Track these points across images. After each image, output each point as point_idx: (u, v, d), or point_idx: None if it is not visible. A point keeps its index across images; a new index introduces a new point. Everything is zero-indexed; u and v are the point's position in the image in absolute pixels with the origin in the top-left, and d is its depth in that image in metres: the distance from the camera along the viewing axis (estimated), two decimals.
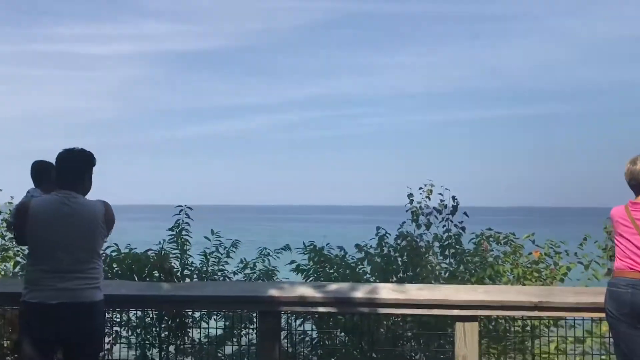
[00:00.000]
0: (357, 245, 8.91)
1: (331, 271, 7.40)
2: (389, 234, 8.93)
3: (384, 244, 8.82)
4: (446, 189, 8.77)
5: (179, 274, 7.33)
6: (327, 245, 7.94)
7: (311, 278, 7.24)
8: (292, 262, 7.38)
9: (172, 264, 7.08)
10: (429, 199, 9.05)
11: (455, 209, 8.80)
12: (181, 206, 7.56)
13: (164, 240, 7.54)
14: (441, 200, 8.80)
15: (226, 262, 7.52)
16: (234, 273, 7.47)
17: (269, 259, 7.56)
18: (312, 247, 7.65)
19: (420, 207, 9.01)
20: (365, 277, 8.21)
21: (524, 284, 6.45)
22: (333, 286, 5.68)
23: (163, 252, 7.26)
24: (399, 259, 8.61)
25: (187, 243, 7.56)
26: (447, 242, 8.63)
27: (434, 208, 8.87)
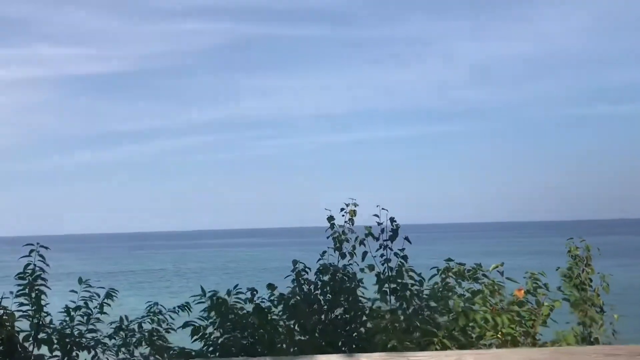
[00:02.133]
0: (269, 285, 7.16)
1: (236, 332, 5.49)
2: (308, 269, 7.28)
3: (302, 281, 7.17)
4: (383, 208, 7.07)
5: (30, 339, 5.24)
6: (235, 289, 6.06)
7: (211, 347, 5.31)
8: (187, 324, 5.44)
9: (14, 330, 5.01)
10: (352, 222, 7.44)
11: (395, 233, 7.11)
12: (32, 244, 5.48)
13: (11, 294, 5.46)
14: (378, 223, 7.10)
15: (98, 321, 5.49)
16: (110, 337, 5.45)
17: (159, 318, 5.60)
18: (212, 297, 5.75)
19: (343, 231, 7.36)
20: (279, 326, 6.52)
21: (502, 335, 4.78)
22: None
23: (4, 311, 5.18)
24: (321, 297, 6.95)
25: (44, 295, 5.50)
26: (385, 275, 6.98)
27: (370, 233, 7.17)
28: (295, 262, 7.17)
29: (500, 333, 4.71)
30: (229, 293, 5.99)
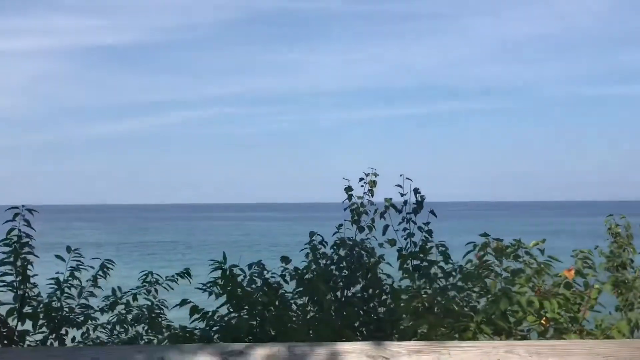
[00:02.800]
0: (283, 258, 6.60)
1: (244, 309, 4.89)
2: (326, 243, 6.71)
3: (318, 255, 6.60)
4: (407, 178, 6.44)
5: (15, 313, 4.69)
6: (238, 265, 5.47)
7: (216, 326, 4.71)
8: (184, 301, 4.84)
9: None
10: (372, 193, 6.84)
11: (419, 205, 6.49)
12: (17, 207, 4.90)
13: None
14: (401, 194, 6.47)
15: (91, 295, 4.92)
16: (102, 310, 4.89)
17: (156, 289, 5.01)
18: (219, 268, 5.15)
19: (362, 203, 6.77)
20: (292, 302, 5.97)
21: (545, 321, 4.15)
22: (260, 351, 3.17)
23: None
24: (337, 272, 6.40)
25: (30, 265, 4.93)
26: (408, 251, 6.40)
27: (391, 205, 6.55)
28: (312, 233, 6.57)
29: (544, 319, 4.09)
30: (231, 274, 5.32)
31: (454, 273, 4.97)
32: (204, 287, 4.98)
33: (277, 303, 5.48)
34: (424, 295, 4.64)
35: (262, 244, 63.71)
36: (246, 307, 5.01)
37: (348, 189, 6.88)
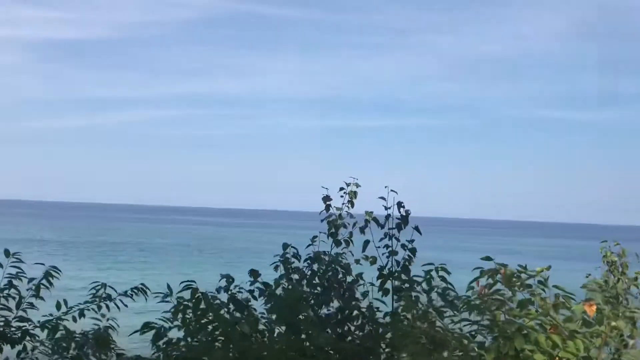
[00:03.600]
0: (252, 272, 6.02)
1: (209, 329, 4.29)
2: (299, 256, 6.20)
3: (290, 270, 6.09)
4: (392, 190, 5.92)
5: None
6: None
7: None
8: (147, 325, 4.19)
9: None
10: (352, 204, 6.32)
11: (404, 220, 5.97)
12: None
13: None
14: (385, 208, 5.95)
15: (31, 306, 4.24)
16: (43, 327, 4.20)
17: (107, 305, 4.35)
18: (188, 287, 4.52)
19: (340, 215, 6.24)
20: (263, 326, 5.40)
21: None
22: None
23: None
24: (308, 289, 5.87)
25: None
26: (391, 270, 5.91)
27: (373, 219, 6.02)
28: (286, 245, 6.00)
29: (556, 358, 3.55)
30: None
31: (456, 302, 4.40)
32: (169, 312, 4.33)
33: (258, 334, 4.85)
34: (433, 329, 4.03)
35: (214, 249, 62.66)
36: (221, 337, 4.37)
37: (326, 198, 6.33)
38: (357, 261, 6.18)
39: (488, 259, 4.34)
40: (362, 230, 6.03)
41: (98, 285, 4.59)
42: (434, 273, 5.15)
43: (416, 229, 5.93)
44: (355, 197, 6.34)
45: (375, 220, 5.90)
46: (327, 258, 6.16)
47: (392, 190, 5.87)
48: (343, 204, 6.34)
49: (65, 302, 4.50)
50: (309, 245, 6.33)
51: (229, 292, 5.73)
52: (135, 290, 4.70)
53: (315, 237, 6.43)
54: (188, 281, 4.64)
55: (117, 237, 79.52)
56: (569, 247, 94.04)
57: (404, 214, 5.89)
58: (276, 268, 6.36)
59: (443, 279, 5.01)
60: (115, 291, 4.65)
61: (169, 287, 4.56)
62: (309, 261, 6.07)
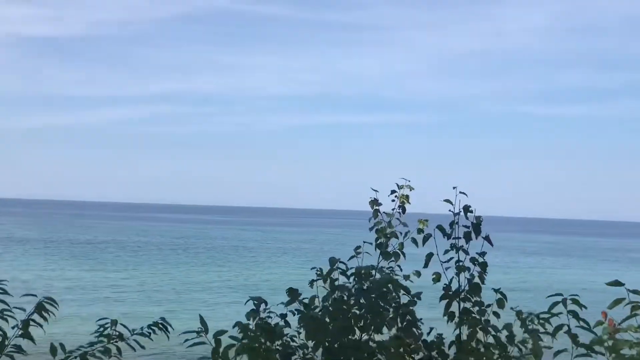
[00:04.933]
0: (290, 291, 5.02)
1: None
2: (345, 269, 5.19)
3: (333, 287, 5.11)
4: (461, 192, 4.86)
5: None
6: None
7: None
8: None
9: None
10: (403, 210, 5.33)
11: (476, 229, 4.92)
12: None
13: None
14: (453, 213, 4.90)
15: (18, 351, 3.16)
16: None
17: (118, 348, 3.27)
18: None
19: (390, 223, 5.24)
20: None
21: None
22: None
23: None
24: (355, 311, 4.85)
25: None
26: (458, 290, 4.90)
27: (438, 227, 4.97)
28: (333, 261, 4.96)
29: None
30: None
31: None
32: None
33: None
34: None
35: (197, 248, 61.30)
36: None
37: (374, 202, 5.26)
38: (407, 277, 5.16)
39: (618, 284, 3.30)
40: (425, 241, 4.99)
41: (106, 323, 3.50)
42: (560, 307, 3.99)
43: (487, 239, 4.90)
44: (408, 202, 5.30)
45: (441, 229, 4.85)
46: (375, 273, 5.13)
47: (461, 192, 4.81)
48: (393, 209, 5.31)
49: (63, 346, 3.39)
50: (352, 257, 5.30)
51: (259, 318, 4.70)
52: (154, 328, 3.63)
53: (358, 247, 5.39)
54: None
55: (100, 235, 77.88)
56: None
57: (475, 221, 4.84)
58: (312, 284, 5.33)
59: (575, 315, 3.92)
60: (129, 330, 3.56)
61: (203, 321, 3.50)
62: (355, 277, 5.02)
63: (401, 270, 5.21)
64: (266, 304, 4.76)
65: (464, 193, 4.78)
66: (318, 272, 5.44)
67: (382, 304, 4.91)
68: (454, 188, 4.78)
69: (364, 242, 5.36)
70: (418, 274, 5.11)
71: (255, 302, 4.73)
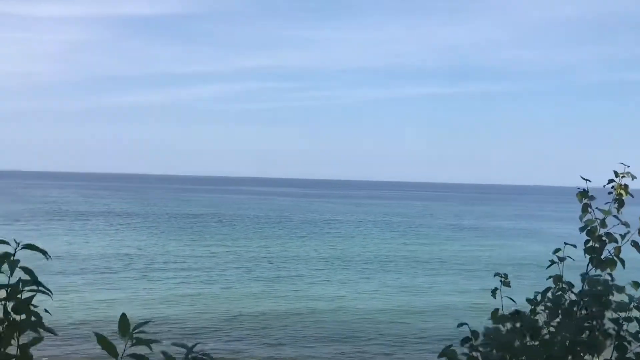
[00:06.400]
0: (494, 314, 4.11)
1: None
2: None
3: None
4: None
5: None
6: None
7: None
8: None
9: None
10: (621, 204, 4.31)
11: None
12: None
13: None
14: None
15: None
16: None
17: None
18: None
19: (603, 222, 4.23)
20: None
21: None
22: None
23: None
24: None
25: None
26: None
27: None
28: (558, 279, 3.96)
29: None
30: None
31: None
32: None
33: None
34: None
35: (293, 220, 61.10)
36: None
37: (583, 194, 4.20)
38: (622, 289, 4.09)
39: None
40: None
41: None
42: None
43: None
44: (627, 194, 4.21)
45: None
46: (584, 285, 4.10)
47: None
48: (606, 202, 4.23)
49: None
50: (551, 264, 4.28)
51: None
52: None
53: (558, 250, 4.36)
54: None
55: (198, 208, 79.24)
56: None
57: None
58: (494, 293, 4.39)
59: None
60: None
61: None
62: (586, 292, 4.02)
63: (613, 280, 4.16)
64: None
65: None
66: (502, 279, 4.51)
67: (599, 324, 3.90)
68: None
69: (565, 243, 4.35)
70: (637, 285, 4.08)
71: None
